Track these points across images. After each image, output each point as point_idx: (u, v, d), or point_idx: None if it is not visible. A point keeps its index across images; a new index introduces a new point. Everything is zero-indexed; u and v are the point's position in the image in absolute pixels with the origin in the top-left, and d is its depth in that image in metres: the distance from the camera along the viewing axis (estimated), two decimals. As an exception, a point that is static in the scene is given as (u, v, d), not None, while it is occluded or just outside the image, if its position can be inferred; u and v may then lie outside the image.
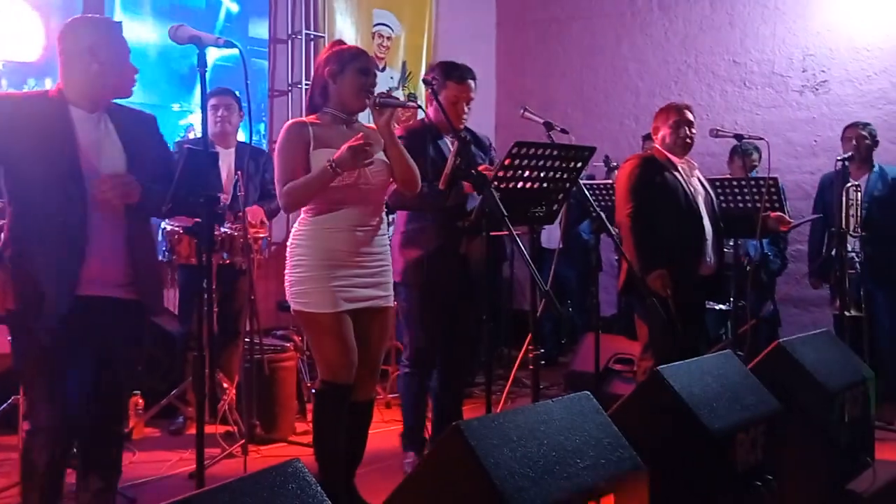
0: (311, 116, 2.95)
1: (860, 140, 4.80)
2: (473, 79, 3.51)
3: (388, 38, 6.47)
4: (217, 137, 4.23)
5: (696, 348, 3.76)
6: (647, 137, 5.59)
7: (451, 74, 3.46)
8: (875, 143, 4.88)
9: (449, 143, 3.47)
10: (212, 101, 4.18)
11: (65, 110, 2.45)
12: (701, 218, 3.70)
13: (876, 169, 4.84)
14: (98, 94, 2.50)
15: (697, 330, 3.87)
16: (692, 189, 3.73)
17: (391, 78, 6.45)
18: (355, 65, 2.88)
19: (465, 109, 3.48)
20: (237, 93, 4.36)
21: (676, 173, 3.72)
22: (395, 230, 3.62)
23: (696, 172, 3.86)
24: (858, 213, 4.62)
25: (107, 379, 2.54)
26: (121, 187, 2.40)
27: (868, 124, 4.95)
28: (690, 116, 3.78)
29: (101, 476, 2.57)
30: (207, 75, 2.26)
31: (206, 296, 2.35)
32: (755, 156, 5.07)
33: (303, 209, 2.92)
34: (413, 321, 3.55)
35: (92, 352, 2.50)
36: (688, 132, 3.76)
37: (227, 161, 4.20)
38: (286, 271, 2.95)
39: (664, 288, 3.52)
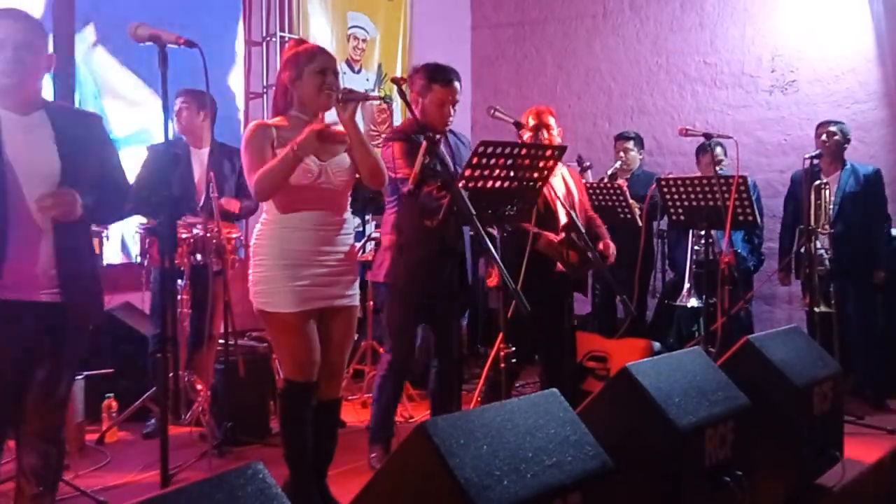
0: (276, 119, 2.94)
1: (831, 137, 4.89)
2: (459, 80, 3.49)
3: (364, 40, 6.46)
4: (188, 138, 4.22)
5: (561, 340, 3.81)
6: (619, 137, 5.66)
7: (436, 77, 3.43)
8: (847, 141, 4.95)
9: (443, 143, 3.45)
10: (177, 101, 4.15)
11: None
12: (557, 221, 3.65)
13: (848, 167, 4.91)
14: (13, 95, 2.30)
15: (559, 321, 3.82)
16: (552, 191, 3.66)
17: (367, 80, 6.45)
18: (312, 66, 2.87)
19: (452, 112, 3.47)
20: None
21: None
22: (385, 231, 3.52)
23: (562, 171, 3.81)
24: (826, 210, 4.68)
25: (38, 380, 2.41)
26: (61, 205, 2.27)
27: (841, 123, 5.03)
28: (547, 119, 3.70)
29: (36, 482, 2.45)
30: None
31: (173, 297, 2.33)
32: (718, 150, 5.12)
33: (264, 209, 2.93)
34: (399, 328, 3.48)
35: (14, 356, 2.36)
36: (545, 135, 3.68)
37: (199, 161, 4.18)
38: (249, 270, 2.94)
39: (559, 246, 3.49)
